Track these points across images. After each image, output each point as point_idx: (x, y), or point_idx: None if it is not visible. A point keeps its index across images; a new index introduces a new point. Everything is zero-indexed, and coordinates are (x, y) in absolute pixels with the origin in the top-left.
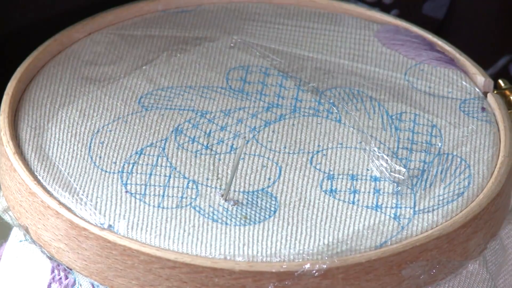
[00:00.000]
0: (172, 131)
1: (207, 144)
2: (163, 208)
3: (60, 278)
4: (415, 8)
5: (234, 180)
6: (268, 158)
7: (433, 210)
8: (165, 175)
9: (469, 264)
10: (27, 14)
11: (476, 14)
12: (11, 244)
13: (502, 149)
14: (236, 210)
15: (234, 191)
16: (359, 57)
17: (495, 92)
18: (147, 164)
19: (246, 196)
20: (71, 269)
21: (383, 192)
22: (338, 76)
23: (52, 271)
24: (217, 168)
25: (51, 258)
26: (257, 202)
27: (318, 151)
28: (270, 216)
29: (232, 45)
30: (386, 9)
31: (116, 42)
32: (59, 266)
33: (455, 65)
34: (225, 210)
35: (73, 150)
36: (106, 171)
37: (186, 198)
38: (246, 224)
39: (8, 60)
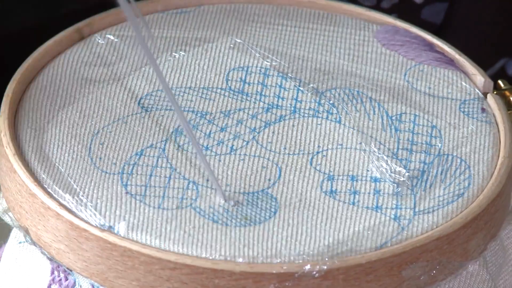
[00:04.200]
0: (172, 132)
1: (207, 145)
2: (163, 209)
3: (60, 280)
4: (414, 13)
5: (234, 181)
6: (268, 159)
7: (433, 211)
8: (165, 176)
9: (469, 265)
10: (27, 15)
11: (473, 18)
12: (11, 246)
13: (502, 150)
14: (237, 211)
15: (234, 192)
16: (358, 57)
17: (495, 92)
18: (147, 165)
19: (246, 197)
20: (71, 270)
21: (383, 193)
22: (337, 77)
23: (52, 273)
24: (217, 169)
25: (51, 259)
26: (257, 203)
27: (318, 152)
28: (270, 217)
29: (231, 46)
30: (384, 13)
31: (116, 43)
32: (59, 267)
33: (454, 65)
34: (226, 211)
35: (73, 151)
36: (106, 172)
37: (186, 199)
38: (247, 225)
39: (8, 61)
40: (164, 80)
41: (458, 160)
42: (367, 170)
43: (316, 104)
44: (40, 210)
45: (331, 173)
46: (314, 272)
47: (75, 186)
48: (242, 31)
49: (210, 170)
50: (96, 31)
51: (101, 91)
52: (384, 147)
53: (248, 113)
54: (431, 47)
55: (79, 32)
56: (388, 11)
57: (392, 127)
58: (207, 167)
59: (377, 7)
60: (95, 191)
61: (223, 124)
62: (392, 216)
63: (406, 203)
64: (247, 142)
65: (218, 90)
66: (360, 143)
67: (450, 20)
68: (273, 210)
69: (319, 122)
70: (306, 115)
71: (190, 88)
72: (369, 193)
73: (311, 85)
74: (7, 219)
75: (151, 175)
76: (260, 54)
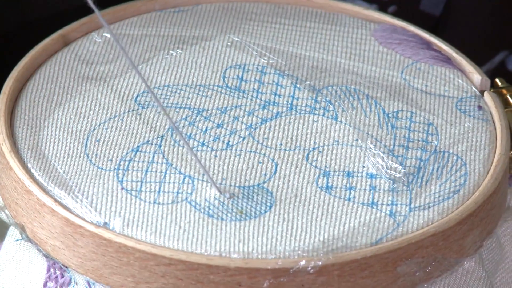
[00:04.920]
0: (169, 129)
1: (203, 141)
2: (158, 204)
3: (56, 277)
4: (413, 5)
5: (230, 175)
6: (264, 154)
7: (429, 207)
8: (161, 172)
9: (465, 262)
10: (25, 13)
11: (472, 10)
12: (8, 244)
13: (498, 147)
14: (232, 204)
15: (230, 185)
16: (356, 55)
17: (491, 90)
18: (143, 161)
19: (242, 191)
20: (67, 267)
21: (379, 189)
22: (334, 74)
23: (48, 270)
24: (213, 164)
25: (47, 256)
26: (253, 196)
27: (314, 148)
28: (266, 211)
29: (229, 44)
30: (384, 5)
31: (113, 41)
32: (55, 264)
33: (451, 63)
34: (221, 204)
35: (69, 148)
36: (102, 169)
37: (182, 193)
38: (242, 219)
39: (5, 59)
40: (144, 80)
41: (454, 157)
42: (363, 167)
43: (313, 101)
44: (35, 207)
45: (327, 169)
46: (309, 268)
47: (70, 183)
48: (239, 29)
49: (204, 168)
50: (93, 29)
51: (97, 88)
52: (381, 144)
53: (244, 110)
54: (428, 45)
55: (76, 30)
56: (387, 3)
57: (389, 124)
58: (200, 164)
59: None
60: (90, 188)
61: (220, 121)
62: (388, 212)
63: (402, 200)
64: (244, 138)
65: (215, 88)
66: (357, 140)
67: (449, 11)
68: (268, 204)
69: (315, 119)
70: (302, 112)
71: (187, 85)
72: (365, 189)
73: (308, 82)
74: (3, 216)
75: (147, 171)
76: (257, 52)
